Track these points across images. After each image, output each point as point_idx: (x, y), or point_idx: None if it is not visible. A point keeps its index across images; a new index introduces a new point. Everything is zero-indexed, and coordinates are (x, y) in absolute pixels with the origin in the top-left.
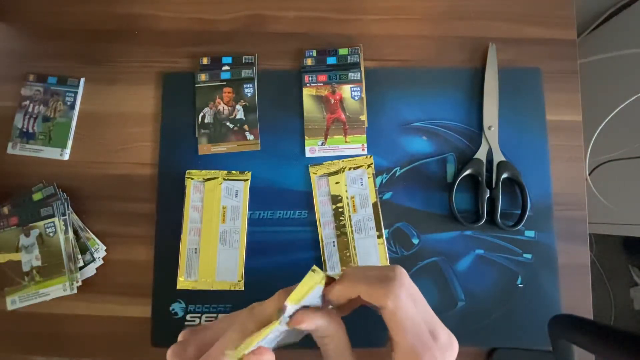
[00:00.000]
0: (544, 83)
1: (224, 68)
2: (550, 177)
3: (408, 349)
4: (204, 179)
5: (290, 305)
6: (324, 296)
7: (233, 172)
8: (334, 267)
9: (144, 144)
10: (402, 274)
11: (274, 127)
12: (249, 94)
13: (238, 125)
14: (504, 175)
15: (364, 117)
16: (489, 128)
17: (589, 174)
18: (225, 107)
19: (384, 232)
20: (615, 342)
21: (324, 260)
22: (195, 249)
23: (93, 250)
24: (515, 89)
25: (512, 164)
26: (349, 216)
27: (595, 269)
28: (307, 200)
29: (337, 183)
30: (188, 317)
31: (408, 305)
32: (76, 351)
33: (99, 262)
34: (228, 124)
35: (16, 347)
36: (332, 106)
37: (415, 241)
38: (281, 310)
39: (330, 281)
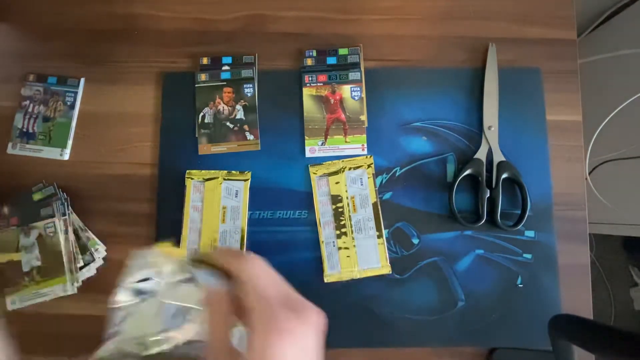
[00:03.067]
0: (544, 83)
1: (224, 68)
2: (550, 177)
3: (263, 310)
4: (204, 179)
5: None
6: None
7: (233, 172)
8: (334, 267)
9: (144, 144)
10: (254, 255)
11: (274, 127)
12: (249, 94)
13: (238, 125)
14: (504, 175)
15: (364, 117)
16: (489, 128)
17: (589, 174)
18: (225, 107)
19: (384, 232)
20: (615, 342)
21: (324, 260)
22: (195, 249)
23: (93, 250)
24: (515, 89)
25: (512, 164)
26: (349, 216)
27: (595, 269)
28: (307, 200)
29: (337, 183)
30: None
31: (260, 274)
32: (76, 351)
33: (99, 262)
34: (228, 124)
35: (16, 347)
36: (332, 106)
37: (415, 241)
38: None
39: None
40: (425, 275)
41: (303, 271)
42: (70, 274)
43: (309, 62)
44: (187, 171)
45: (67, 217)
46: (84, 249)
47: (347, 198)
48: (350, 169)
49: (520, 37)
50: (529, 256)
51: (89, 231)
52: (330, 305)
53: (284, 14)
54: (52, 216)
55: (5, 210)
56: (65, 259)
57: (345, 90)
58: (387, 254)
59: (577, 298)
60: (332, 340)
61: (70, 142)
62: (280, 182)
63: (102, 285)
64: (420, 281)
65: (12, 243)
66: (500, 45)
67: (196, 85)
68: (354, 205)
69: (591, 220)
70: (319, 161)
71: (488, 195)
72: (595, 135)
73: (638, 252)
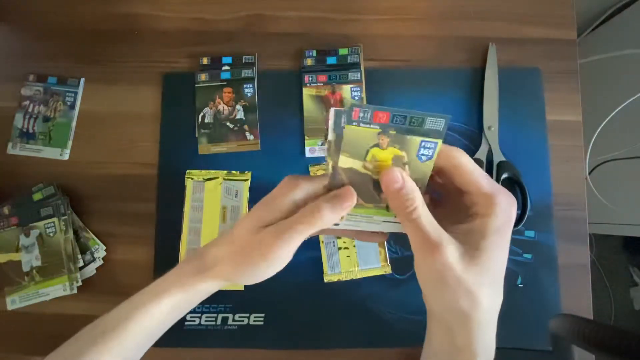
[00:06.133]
0: (544, 83)
1: (224, 68)
2: (550, 177)
3: (485, 193)
4: (204, 179)
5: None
6: None
7: (233, 172)
8: (334, 267)
9: (144, 144)
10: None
11: (274, 127)
12: (249, 94)
13: (238, 125)
14: (504, 175)
15: None
16: (489, 128)
17: (589, 174)
18: (225, 107)
19: None
20: (616, 342)
21: (324, 260)
22: (195, 249)
23: (93, 250)
24: (515, 89)
25: (512, 164)
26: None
27: (595, 269)
28: None
29: None
30: (188, 317)
31: (469, 160)
32: None
33: (99, 262)
34: (228, 124)
35: (16, 347)
36: (332, 106)
37: None
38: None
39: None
40: None
41: (303, 271)
42: (70, 274)
43: (309, 62)
44: (187, 171)
45: (67, 217)
46: (84, 249)
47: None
48: None
49: (520, 37)
50: (529, 256)
51: (89, 231)
52: (330, 305)
53: (284, 14)
54: (52, 216)
55: (5, 210)
56: (65, 259)
57: (346, 91)
58: (387, 254)
59: (577, 298)
60: (332, 340)
61: (70, 142)
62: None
63: (102, 285)
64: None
65: (12, 243)
66: (500, 45)
67: (196, 85)
68: None
69: (591, 220)
70: (319, 161)
71: None
72: (595, 135)
73: (638, 252)
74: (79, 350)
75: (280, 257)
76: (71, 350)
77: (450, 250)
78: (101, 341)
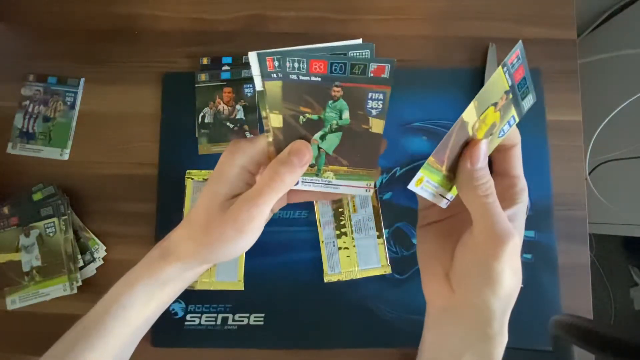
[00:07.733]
0: (544, 83)
1: (224, 68)
2: (550, 177)
3: (492, 234)
4: (204, 179)
5: None
6: None
7: None
8: (334, 267)
9: (144, 144)
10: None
11: None
12: (249, 94)
13: (238, 125)
14: None
15: None
16: None
17: (589, 174)
18: (225, 107)
19: (384, 232)
20: (615, 342)
21: (324, 260)
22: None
23: (93, 250)
24: None
25: None
26: (349, 216)
27: (595, 269)
28: None
29: None
30: (188, 317)
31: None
32: None
33: (99, 262)
34: (228, 124)
35: (16, 347)
36: None
37: (415, 241)
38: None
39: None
40: None
41: (303, 271)
42: (70, 274)
43: None
44: (187, 171)
45: (67, 217)
46: (84, 249)
47: (347, 198)
48: None
49: (520, 37)
50: (529, 256)
51: (89, 231)
52: (330, 305)
53: (284, 14)
54: (52, 216)
55: (5, 210)
56: (65, 259)
57: None
58: (387, 254)
59: (577, 298)
60: (332, 340)
61: (70, 142)
62: None
63: (102, 285)
64: (420, 281)
65: (12, 243)
66: (500, 45)
67: (196, 85)
68: (354, 206)
69: (591, 220)
70: None
71: None
72: (595, 135)
73: (638, 252)
74: (65, 349)
75: (254, 229)
76: (58, 350)
77: (516, 243)
78: (84, 338)
